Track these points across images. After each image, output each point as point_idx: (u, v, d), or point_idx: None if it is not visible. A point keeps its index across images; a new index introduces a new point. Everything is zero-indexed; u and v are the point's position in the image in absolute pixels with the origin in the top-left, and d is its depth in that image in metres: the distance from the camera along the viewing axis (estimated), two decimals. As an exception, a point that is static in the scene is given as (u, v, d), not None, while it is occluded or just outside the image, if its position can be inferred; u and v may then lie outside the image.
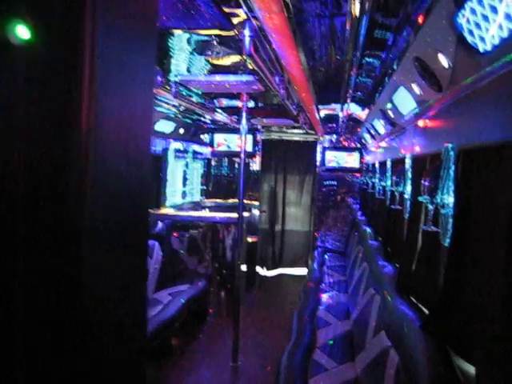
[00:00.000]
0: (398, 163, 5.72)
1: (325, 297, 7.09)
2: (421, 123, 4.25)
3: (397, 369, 3.40)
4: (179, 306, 6.53)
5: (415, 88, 3.82)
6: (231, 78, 4.71)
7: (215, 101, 7.23)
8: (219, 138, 10.37)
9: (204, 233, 8.45)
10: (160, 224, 7.56)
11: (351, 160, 10.54)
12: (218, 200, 10.53)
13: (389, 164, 6.36)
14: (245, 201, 10.48)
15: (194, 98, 6.42)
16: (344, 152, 10.61)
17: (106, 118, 1.42)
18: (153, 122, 1.87)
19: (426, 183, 3.34)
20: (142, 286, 1.80)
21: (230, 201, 10.53)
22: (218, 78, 4.79)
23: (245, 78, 4.58)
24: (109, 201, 1.46)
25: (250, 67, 3.89)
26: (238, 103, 6.36)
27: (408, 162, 4.84)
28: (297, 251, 11.14)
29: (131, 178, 1.59)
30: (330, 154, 10.64)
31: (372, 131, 7.53)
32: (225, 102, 7.34)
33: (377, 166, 7.80)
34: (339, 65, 5.02)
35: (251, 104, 7.22)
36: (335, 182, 10.89)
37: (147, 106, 1.70)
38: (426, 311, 3.76)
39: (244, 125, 6.08)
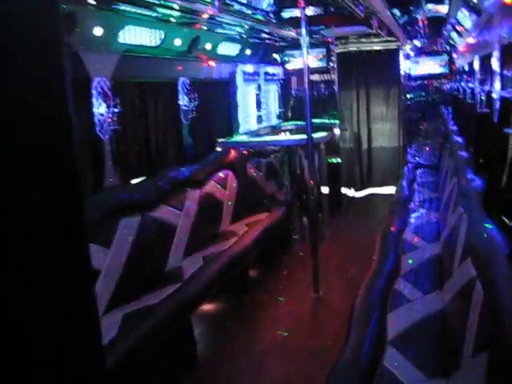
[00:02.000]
0: (487, 59, 4.77)
1: (413, 217, 6.36)
2: None
3: (482, 303, 2.74)
4: (255, 237, 6.10)
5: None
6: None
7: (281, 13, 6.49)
8: (291, 55, 9.49)
9: (282, 157, 7.88)
10: (233, 152, 7.05)
11: (440, 65, 9.34)
12: (299, 122, 9.78)
13: (477, 61, 5.39)
14: (325, 120, 9.79)
15: (257, 14, 5.73)
16: (431, 57, 9.40)
17: None
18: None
19: (510, 74, 2.52)
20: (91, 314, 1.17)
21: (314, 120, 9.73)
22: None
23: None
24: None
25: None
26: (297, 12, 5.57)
27: (496, 55, 3.94)
28: (386, 169, 10.25)
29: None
30: (415, 61, 9.49)
31: (458, 27, 6.46)
32: (286, 14, 6.57)
33: (466, 67, 6.77)
34: None
35: (311, 12, 6.37)
36: (424, 92, 9.80)
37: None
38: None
39: (304, 36, 5.33)
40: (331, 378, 3.09)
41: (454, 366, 2.98)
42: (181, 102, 6.34)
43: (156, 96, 5.99)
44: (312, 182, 5.97)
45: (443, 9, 6.49)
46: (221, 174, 6.65)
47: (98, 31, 4.67)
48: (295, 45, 8.96)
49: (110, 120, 4.99)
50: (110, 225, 4.62)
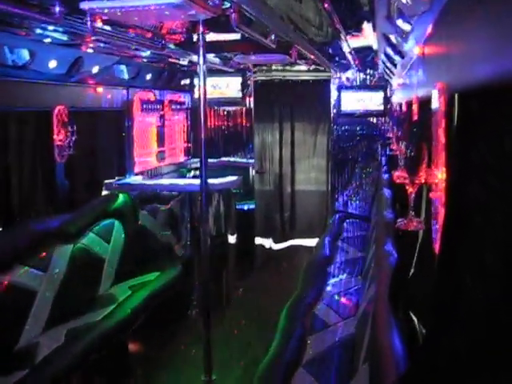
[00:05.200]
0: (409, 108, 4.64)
1: (331, 284, 6.11)
2: (417, 50, 3.15)
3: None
4: (138, 304, 5.70)
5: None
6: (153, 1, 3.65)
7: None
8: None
9: (182, 203, 7.53)
10: (121, 197, 6.63)
11: (374, 102, 9.22)
12: (211, 159, 9.47)
13: (404, 108, 5.28)
14: (238, 159, 9.58)
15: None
16: (364, 91, 9.27)
17: None
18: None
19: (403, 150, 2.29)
20: None
21: (225, 159, 9.50)
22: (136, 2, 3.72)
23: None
24: None
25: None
26: (195, 36, 5.29)
27: (415, 108, 3.79)
28: (312, 217, 9.93)
29: None
30: (347, 95, 9.35)
31: (388, 64, 6.38)
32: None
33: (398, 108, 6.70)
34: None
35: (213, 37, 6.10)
36: (358, 128, 9.68)
37: None
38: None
39: (201, 64, 5.07)
40: None
41: None
42: (55, 136, 5.91)
43: (21, 129, 5.54)
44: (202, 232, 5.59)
45: (370, 42, 6.39)
46: (103, 225, 6.22)
47: None
48: (208, 70, 8.71)
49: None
50: None
